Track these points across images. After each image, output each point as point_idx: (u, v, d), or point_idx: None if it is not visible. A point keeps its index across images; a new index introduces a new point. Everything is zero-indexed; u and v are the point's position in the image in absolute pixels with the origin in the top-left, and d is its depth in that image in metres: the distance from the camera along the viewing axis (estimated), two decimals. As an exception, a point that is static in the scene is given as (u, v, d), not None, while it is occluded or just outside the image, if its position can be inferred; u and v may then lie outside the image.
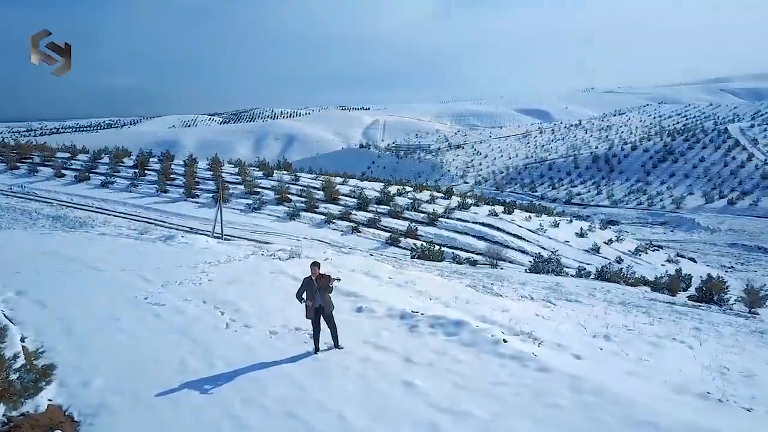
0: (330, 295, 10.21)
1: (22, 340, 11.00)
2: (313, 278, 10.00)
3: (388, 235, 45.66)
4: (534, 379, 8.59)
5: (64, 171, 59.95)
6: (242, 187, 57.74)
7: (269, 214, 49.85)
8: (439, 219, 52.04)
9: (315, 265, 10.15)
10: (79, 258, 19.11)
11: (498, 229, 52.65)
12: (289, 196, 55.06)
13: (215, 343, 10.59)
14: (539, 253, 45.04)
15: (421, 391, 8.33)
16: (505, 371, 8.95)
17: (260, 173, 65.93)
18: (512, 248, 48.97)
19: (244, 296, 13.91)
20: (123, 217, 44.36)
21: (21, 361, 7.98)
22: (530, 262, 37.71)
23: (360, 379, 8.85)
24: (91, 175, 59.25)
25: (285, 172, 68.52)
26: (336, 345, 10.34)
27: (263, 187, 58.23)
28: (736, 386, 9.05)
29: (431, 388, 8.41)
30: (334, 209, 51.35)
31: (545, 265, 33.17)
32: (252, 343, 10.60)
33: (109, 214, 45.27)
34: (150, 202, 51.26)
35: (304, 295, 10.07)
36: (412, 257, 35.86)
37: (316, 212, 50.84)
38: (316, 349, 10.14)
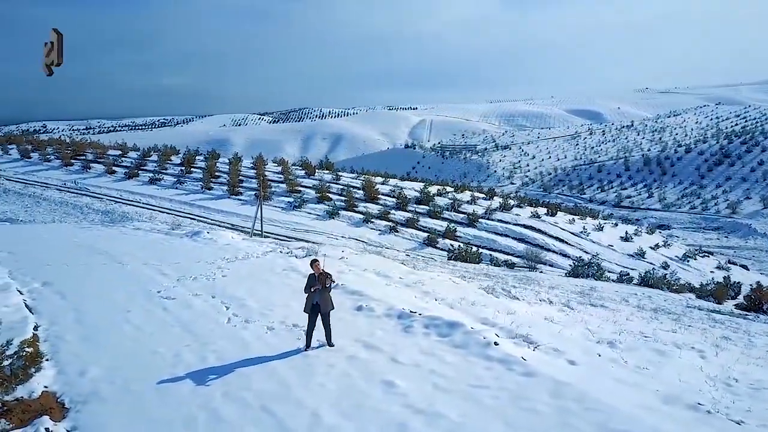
0: (330, 294, 10.23)
1: (36, 328, 11.49)
2: (316, 275, 10.07)
3: (425, 235, 45.48)
4: (517, 383, 8.40)
5: (115, 168, 62.27)
6: (284, 185, 58.60)
7: (309, 213, 50.46)
8: (479, 220, 51.49)
9: (315, 262, 10.23)
10: (108, 252, 19.83)
11: (539, 231, 51.72)
12: (329, 194, 55.59)
13: (213, 338, 10.81)
14: (580, 257, 44.08)
15: (400, 391, 8.27)
16: (490, 374, 8.78)
17: (302, 172, 66.80)
18: (553, 251, 48.04)
19: (252, 292, 14.12)
20: (167, 213, 45.74)
21: (14, 348, 8.32)
22: (570, 265, 36.94)
23: (343, 377, 8.86)
24: (140, 172, 61.36)
25: (327, 171, 69.20)
26: (329, 343, 10.36)
27: (305, 186, 58.96)
28: (736, 398, 8.62)
29: (411, 388, 8.34)
30: (373, 208, 51.54)
31: (585, 269, 32.39)
32: (248, 339, 10.76)
33: (154, 210, 46.78)
34: (195, 199, 52.65)
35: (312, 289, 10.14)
36: (449, 258, 35.54)
37: (355, 211, 51.15)
38: (307, 346, 10.18)
